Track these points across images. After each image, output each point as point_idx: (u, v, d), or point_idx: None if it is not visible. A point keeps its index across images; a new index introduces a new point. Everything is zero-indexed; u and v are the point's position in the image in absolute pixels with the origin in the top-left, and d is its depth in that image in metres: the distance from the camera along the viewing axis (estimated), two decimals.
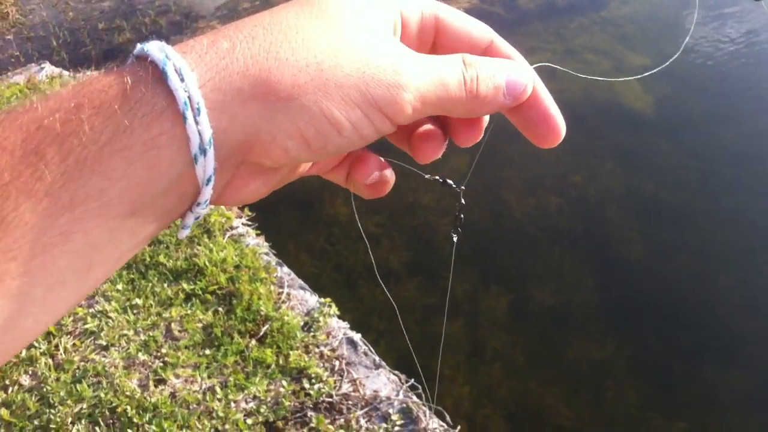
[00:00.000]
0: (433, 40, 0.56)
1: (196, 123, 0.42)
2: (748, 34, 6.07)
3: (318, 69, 0.45)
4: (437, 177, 0.72)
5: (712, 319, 3.74)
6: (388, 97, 0.47)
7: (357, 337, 3.05)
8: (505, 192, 4.48)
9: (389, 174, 0.60)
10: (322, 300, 3.19)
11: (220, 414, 2.66)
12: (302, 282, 3.31)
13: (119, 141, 0.40)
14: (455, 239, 0.84)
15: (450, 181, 0.71)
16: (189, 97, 0.41)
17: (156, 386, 2.77)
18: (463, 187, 0.72)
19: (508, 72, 0.53)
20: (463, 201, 0.74)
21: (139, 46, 0.45)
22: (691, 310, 3.79)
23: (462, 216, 0.78)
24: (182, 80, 0.41)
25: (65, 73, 4.82)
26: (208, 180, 0.44)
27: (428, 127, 0.58)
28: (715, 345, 3.62)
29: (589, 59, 5.77)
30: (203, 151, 0.42)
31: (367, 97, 0.46)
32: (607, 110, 5.27)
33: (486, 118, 0.59)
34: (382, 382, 2.87)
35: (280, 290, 3.21)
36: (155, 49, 0.43)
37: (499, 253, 4.16)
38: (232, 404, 2.71)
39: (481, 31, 0.56)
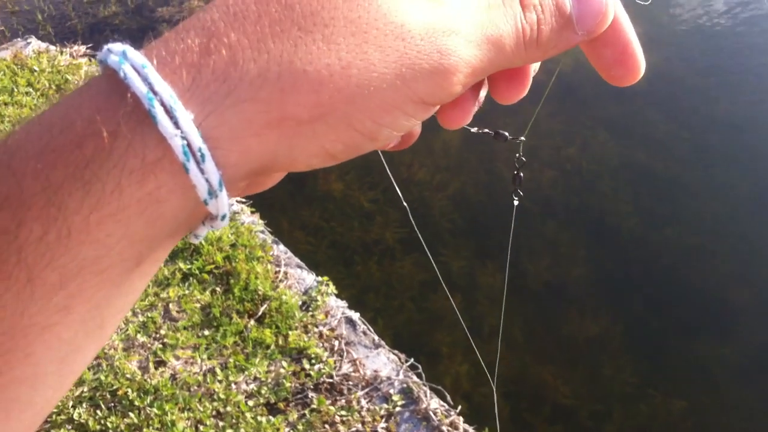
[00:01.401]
0: None
1: (201, 171, 0.34)
2: (739, 4, 6.04)
3: (345, 76, 0.36)
4: (487, 130, 0.60)
5: (706, 292, 3.75)
6: (434, 87, 0.38)
7: (356, 316, 3.04)
8: (498, 165, 4.46)
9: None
10: (320, 279, 3.18)
11: (221, 396, 2.65)
12: (299, 260, 3.29)
13: (108, 205, 0.33)
14: (516, 203, 0.74)
15: (505, 133, 0.58)
16: (188, 144, 0.34)
17: (156, 368, 2.75)
18: (523, 138, 0.60)
19: (580, 1, 0.42)
20: (522, 157, 0.63)
21: (111, 57, 0.35)
22: (685, 283, 3.80)
23: (521, 174, 0.67)
24: (176, 124, 0.33)
25: (52, 47, 4.75)
26: (224, 216, 0.38)
27: None
28: (711, 318, 3.63)
29: None
30: (214, 195, 0.36)
31: (407, 96, 0.38)
32: (598, 80, 5.20)
33: (536, 64, 0.48)
34: (382, 362, 2.87)
35: (277, 269, 3.18)
36: (135, 77, 0.34)
37: (494, 228, 4.14)
38: (233, 386, 2.70)
39: None
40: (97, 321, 0.36)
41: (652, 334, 3.59)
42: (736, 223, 4.10)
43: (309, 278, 3.19)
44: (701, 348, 3.50)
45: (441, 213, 4.12)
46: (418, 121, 0.41)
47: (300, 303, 3.04)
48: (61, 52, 4.64)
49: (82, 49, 4.80)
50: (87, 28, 5.90)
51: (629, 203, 4.24)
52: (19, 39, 4.93)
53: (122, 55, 0.35)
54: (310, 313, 3.00)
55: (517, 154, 0.65)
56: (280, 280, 3.13)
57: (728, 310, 3.66)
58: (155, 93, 0.33)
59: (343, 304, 3.09)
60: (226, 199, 0.36)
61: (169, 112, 0.33)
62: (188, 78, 0.34)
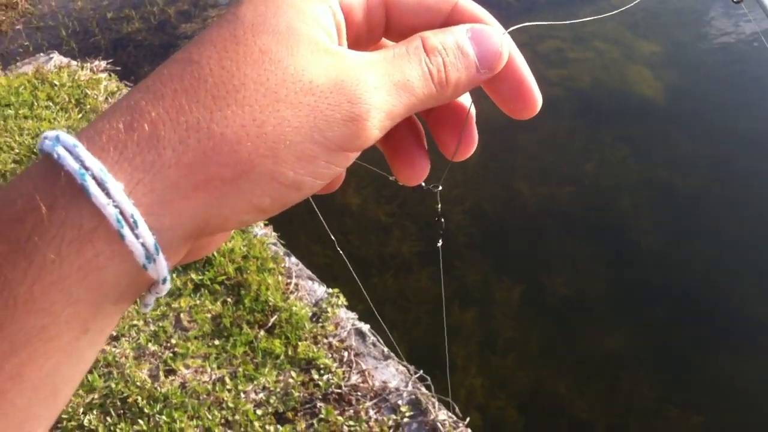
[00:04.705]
0: (385, 21, 0.49)
1: (136, 237, 0.36)
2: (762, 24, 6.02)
3: (261, 134, 0.39)
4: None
5: (726, 308, 3.71)
6: (350, 135, 0.41)
7: (365, 327, 3.04)
8: (516, 181, 4.45)
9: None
10: (330, 290, 3.18)
11: (230, 404, 2.66)
12: (310, 272, 3.30)
13: (49, 275, 0.35)
14: (440, 244, 0.76)
15: (422, 183, 0.59)
16: (120, 212, 0.36)
17: (166, 377, 2.76)
18: (440, 188, 0.63)
19: (478, 41, 0.46)
20: (439, 205, 0.66)
21: (46, 142, 0.38)
22: (704, 299, 3.76)
23: (443, 220, 0.70)
24: (108, 194, 0.36)
25: (73, 62, 4.81)
26: (165, 280, 0.40)
27: (405, 142, 0.52)
28: (730, 334, 3.59)
29: (598, 47, 5.72)
30: (151, 259, 0.38)
31: (324, 145, 0.41)
32: (618, 97, 5.23)
33: (473, 123, 0.53)
34: (391, 374, 2.86)
35: (288, 281, 3.19)
36: (67, 156, 0.36)
37: (512, 242, 4.13)
38: (242, 395, 2.71)
39: None
40: (49, 388, 0.37)
41: (671, 349, 3.55)
42: (756, 239, 4.06)
43: (320, 290, 3.19)
44: (721, 363, 3.46)
45: (457, 227, 4.11)
46: (340, 169, 0.43)
47: (310, 314, 3.04)
48: (82, 67, 4.70)
49: (102, 64, 4.86)
50: (110, 43, 5.97)
51: (649, 219, 4.21)
52: (41, 54, 5.01)
53: (55, 139, 0.38)
54: (320, 325, 3.00)
55: (438, 205, 0.67)
56: (291, 292, 3.13)
57: (749, 325, 3.62)
58: (86, 168, 0.36)
59: (354, 315, 3.09)
60: (164, 262, 0.38)
61: (100, 184, 0.36)
62: (115, 153, 0.37)
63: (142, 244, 0.37)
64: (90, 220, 0.36)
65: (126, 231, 0.36)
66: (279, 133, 0.39)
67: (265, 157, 0.39)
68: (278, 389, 2.74)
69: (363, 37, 0.48)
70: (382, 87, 0.42)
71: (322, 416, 2.66)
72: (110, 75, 4.75)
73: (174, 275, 3.11)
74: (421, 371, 2.89)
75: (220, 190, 0.38)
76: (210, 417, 2.61)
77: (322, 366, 2.82)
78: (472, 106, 0.52)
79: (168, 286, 0.41)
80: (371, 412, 2.70)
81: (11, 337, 0.35)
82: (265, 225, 3.52)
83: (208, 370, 2.79)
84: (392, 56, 0.44)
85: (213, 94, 0.39)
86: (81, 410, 2.62)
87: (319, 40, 0.42)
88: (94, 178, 0.36)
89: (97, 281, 0.36)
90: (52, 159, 0.37)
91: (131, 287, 0.39)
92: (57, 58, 4.85)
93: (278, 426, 2.62)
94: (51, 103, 4.21)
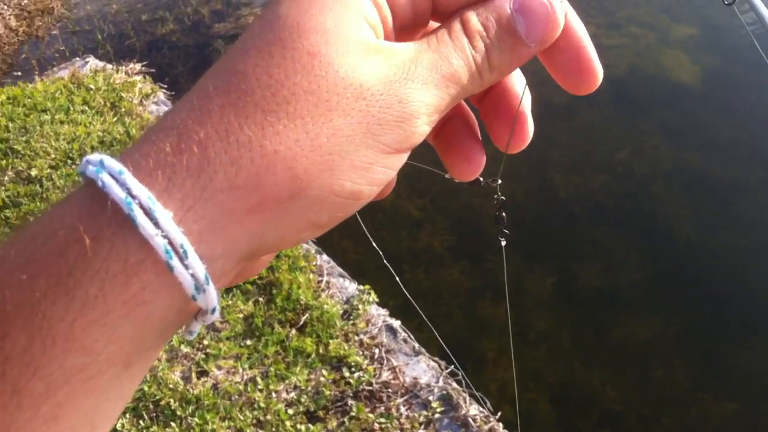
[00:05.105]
0: (431, 2, 0.44)
1: (186, 267, 0.34)
2: None
3: (316, 147, 0.37)
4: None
5: (762, 296, 3.66)
6: (402, 135, 0.39)
7: (396, 324, 3.06)
8: (549, 170, 4.43)
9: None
10: (361, 287, 3.20)
11: (262, 404, 2.70)
12: (341, 270, 3.32)
13: (92, 311, 0.33)
14: (504, 243, 0.73)
15: (480, 178, 0.55)
16: (169, 242, 0.34)
17: (198, 378, 2.81)
18: (500, 181, 0.59)
19: (526, 11, 0.42)
20: (502, 197, 0.62)
21: (90, 167, 0.36)
22: (740, 288, 3.72)
23: (504, 215, 0.65)
24: (156, 224, 0.34)
25: (108, 66, 4.87)
26: (213, 310, 0.38)
27: (455, 134, 0.49)
28: (765, 322, 3.54)
29: (633, 32, 5.66)
30: (201, 290, 0.35)
31: (379, 149, 0.39)
32: (653, 83, 5.17)
33: (528, 117, 0.49)
34: (422, 369, 2.88)
35: (320, 278, 3.22)
36: (112, 183, 0.35)
37: (544, 233, 4.12)
38: (273, 394, 2.75)
39: None
40: (87, 428, 0.36)
41: (705, 337, 3.52)
42: None
43: (351, 287, 3.22)
44: (755, 351, 3.43)
45: (490, 219, 4.11)
46: (394, 172, 0.41)
47: (341, 312, 3.07)
48: (117, 71, 4.76)
49: (137, 66, 4.91)
50: (145, 46, 6.04)
51: (684, 207, 4.17)
52: (77, 58, 5.09)
53: (99, 164, 0.36)
54: (351, 322, 3.03)
55: (495, 195, 0.64)
56: (322, 290, 3.16)
57: None
58: (133, 197, 0.34)
59: (384, 312, 3.11)
60: (214, 292, 0.36)
61: (148, 213, 0.34)
62: (164, 178, 0.35)
63: (192, 275, 0.35)
64: (137, 253, 0.34)
65: (175, 262, 0.34)
66: (333, 144, 0.37)
67: (322, 171, 0.37)
68: (309, 388, 2.78)
69: (409, 24, 0.44)
70: (431, 81, 0.40)
71: (353, 414, 2.69)
72: (144, 77, 4.80)
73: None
74: (452, 366, 2.91)
75: (276, 211, 0.36)
76: (242, 418, 2.65)
77: (353, 363, 2.85)
78: (527, 94, 0.49)
79: (216, 315, 0.38)
80: (402, 409, 2.72)
81: (48, 377, 0.33)
82: None
83: (240, 370, 2.83)
84: (436, 44, 0.41)
85: (263, 107, 0.37)
86: None
87: (367, 37, 0.40)
88: (142, 206, 0.34)
89: (142, 315, 0.34)
90: (96, 186, 0.35)
91: (177, 318, 0.37)
92: (93, 62, 4.92)
93: (309, 425, 2.65)
94: (87, 108, 4.27)
